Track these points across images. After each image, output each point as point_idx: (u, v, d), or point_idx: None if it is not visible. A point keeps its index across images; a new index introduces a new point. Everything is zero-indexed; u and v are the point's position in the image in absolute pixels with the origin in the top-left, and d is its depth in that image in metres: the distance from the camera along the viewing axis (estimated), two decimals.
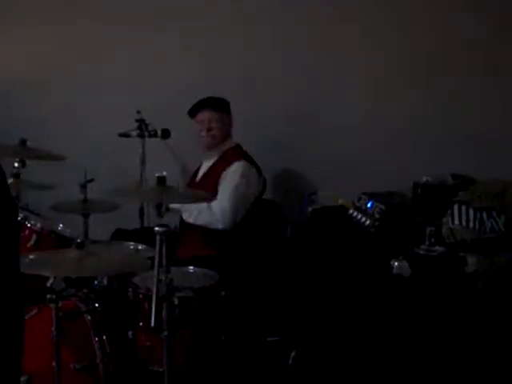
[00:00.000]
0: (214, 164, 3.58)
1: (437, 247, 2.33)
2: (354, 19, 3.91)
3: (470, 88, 3.84)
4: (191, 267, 2.94)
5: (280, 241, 3.38)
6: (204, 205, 3.41)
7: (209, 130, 3.54)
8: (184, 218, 3.48)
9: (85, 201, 3.15)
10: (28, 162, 3.13)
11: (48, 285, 2.44)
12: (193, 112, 3.58)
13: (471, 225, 2.45)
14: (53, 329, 2.42)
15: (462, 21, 3.81)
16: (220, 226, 3.38)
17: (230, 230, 3.38)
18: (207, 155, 3.64)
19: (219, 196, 3.38)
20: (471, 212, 2.47)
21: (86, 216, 3.20)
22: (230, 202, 3.35)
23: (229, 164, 3.48)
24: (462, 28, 3.82)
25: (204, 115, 3.55)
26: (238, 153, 3.54)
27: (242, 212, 3.41)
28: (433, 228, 2.31)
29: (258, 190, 3.52)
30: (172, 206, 2.77)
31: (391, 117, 3.93)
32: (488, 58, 3.81)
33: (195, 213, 3.42)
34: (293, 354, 2.66)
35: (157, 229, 2.48)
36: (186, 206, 3.44)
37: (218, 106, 3.57)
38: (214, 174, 3.52)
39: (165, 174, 2.69)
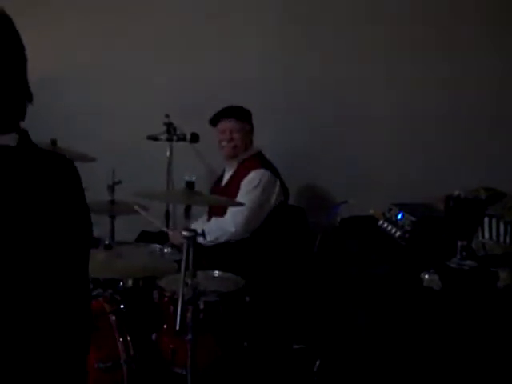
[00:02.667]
0: (234, 173, 3.59)
1: (468, 261, 2.31)
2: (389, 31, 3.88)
3: (498, 100, 3.80)
4: (216, 271, 2.94)
5: (307, 248, 3.37)
6: (212, 221, 3.44)
7: (230, 140, 3.55)
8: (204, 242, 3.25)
9: (112, 202, 3.17)
10: None
11: None
12: (214, 121, 3.58)
13: (502, 239, 2.44)
14: None
15: None
16: (232, 230, 3.35)
17: (242, 236, 3.37)
18: (229, 163, 3.64)
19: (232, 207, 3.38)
20: (502, 226, 2.46)
21: (113, 217, 3.23)
22: (242, 208, 3.30)
23: (247, 173, 3.48)
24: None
25: (225, 125, 3.55)
26: (257, 161, 3.54)
27: (255, 220, 3.40)
28: (464, 242, 2.30)
29: (277, 197, 3.49)
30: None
31: (418, 129, 3.91)
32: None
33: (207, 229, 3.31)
34: (318, 362, 2.65)
35: (185, 233, 2.49)
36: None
37: (239, 115, 3.56)
38: (235, 182, 3.52)
39: (194, 178, 2.71)
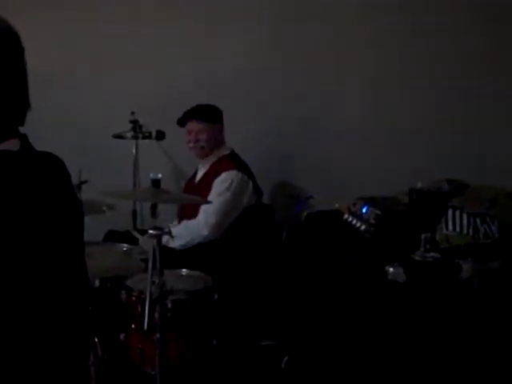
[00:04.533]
0: (207, 171, 3.56)
1: (432, 253, 2.33)
2: (362, 23, 3.90)
3: (468, 93, 3.85)
4: (184, 270, 2.92)
5: (274, 245, 3.37)
6: (182, 224, 3.41)
7: (196, 141, 3.52)
8: (176, 246, 3.30)
9: None
10: None
11: None
12: (181, 122, 3.55)
13: (465, 231, 2.46)
14: None
15: None
16: (205, 233, 3.32)
17: (215, 237, 3.34)
18: (201, 162, 3.62)
19: (204, 206, 3.35)
20: (465, 217, 2.48)
21: None
22: (214, 211, 3.32)
23: (220, 172, 3.45)
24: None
25: (191, 126, 3.52)
26: (231, 161, 3.51)
27: (227, 220, 3.37)
28: (428, 234, 2.32)
29: (249, 198, 3.47)
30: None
31: (389, 122, 3.95)
32: (489, 59, 3.82)
33: (178, 232, 3.21)
34: (286, 358, 2.65)
35: (151, 231, 2.47)
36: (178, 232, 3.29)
37: (204, 116, 3.53)
38: (207, 181, 3.50)
39: (160, 176, 2.69)
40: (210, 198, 3.36)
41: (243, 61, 3.95)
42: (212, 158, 3.56)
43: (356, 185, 3.68)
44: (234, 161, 3.52)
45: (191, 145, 3.53)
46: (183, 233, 3.33)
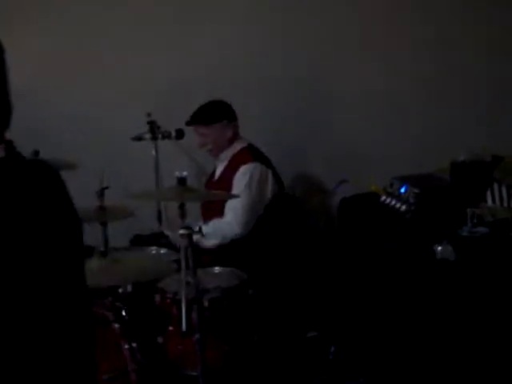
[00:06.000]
0: (225, 168, 3.52)
1: (480, 228, 2.24)
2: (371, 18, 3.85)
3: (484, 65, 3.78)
4: (217, 267, 2.88)
5: (305, 234, 3.31)
6: (211, 224, 3.34)
7: (202, 145, 3.51)
8: (209, 245, 3.27)
9: (102, 208, 3.08)
10: None
11: None
12: (188, 124, 3.53)
13: (505, 204, 2.38)
14: None
15: None
16: (237, 232, 3.29)
17: (246, 234, 3.30)
18: (218, 159, 3.58)
19: (231, 202, 3.31)
20: (504, 190, 2.40)
21: (104, 224, 3.13)
22: (242, 208, 3.29)
23: (238, 167, 3.41)
24: None
25: (196, 130, 3.50)
26: (247, 154, 3.46)
27: (256, 215, 3.34)
28: (474, 208, 2.23)
29: (272, 189, 3.43)
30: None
31: (400, 103, 3.90)
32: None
33: (209, 232, 3.17)
34: (332, 349, 2.58)
35: (181, 231, 2.42)
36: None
37: (203, 119, 3.48)
38: (227, 177, 3.45)
39: (185, 174, 2.63)
40: (233, 191, 3.32)
41: (252, 48, 3.90)
42: (228, 154, 3.51)
43: (383, 166, 3.61)
44: (251, 153, 3.47)
45: (200, 147, 3.53)
46: (215, 232, 3.28)
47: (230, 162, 3.50)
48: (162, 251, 3.14)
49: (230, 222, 3.32)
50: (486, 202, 2.37)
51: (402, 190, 2.49)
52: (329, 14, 3.86)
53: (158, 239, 3.40)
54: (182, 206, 2.61)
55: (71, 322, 1.29)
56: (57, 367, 1.26)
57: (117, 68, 3.98)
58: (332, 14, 3.87)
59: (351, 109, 3.94)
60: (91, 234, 3.13)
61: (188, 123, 3.51)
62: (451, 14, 3.83)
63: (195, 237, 2.52)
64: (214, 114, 3.49)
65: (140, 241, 3.60)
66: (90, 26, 3.94)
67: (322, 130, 3.96)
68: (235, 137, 3.53)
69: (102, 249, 2.66)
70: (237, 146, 3.52)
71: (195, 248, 2.47)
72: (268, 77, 3.92)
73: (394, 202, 2.51)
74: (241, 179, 3.37)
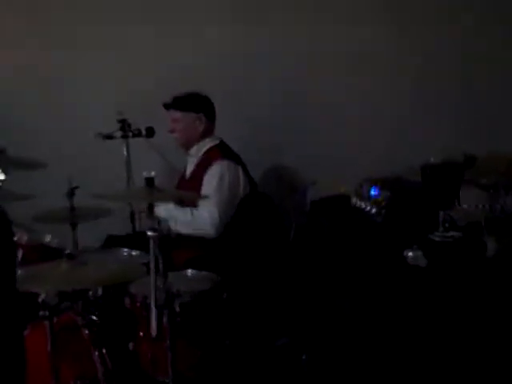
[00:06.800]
0: (196, 165, 3.48)
1: (452, 232, 2.21)
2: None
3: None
4: (189, 270, 2.82)
5: (278, 233, 3.28)
6: (188, 212, 3.33)
7: (172, 131, 3.46)
8: (171, 226, 3.35)
9: (72, 209, 3.01)
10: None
11: (40, 301, 2.31)
12: (166, 107, 3.49)
13: (480, 205, 2.35)
14: (48, 347, 2.30)
15: None
16: (212, 232, 3.28)
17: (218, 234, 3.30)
18: (190, 155, 3.54)
19: (203, 201, 3.29)
20: (478, 191, 2.37)
21: (74, 225, 3.06)
22: (217, 207, 3.26)
23: (209, 165, 3.37)
24: None
25: (171, 114, 3.47)
26: (219, 152, 3.42)
27: (229, 214, 3.30)
28: (446, 212, 2.20)
29: (244, 187, 3.39)
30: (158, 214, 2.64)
31: (378, 102, 3.91)
32: None
33: (182, 220, 3.32)
34: (304, 356, 2.54)
35: (149, 233, 2.37)
36: (173, 213, 3.33)
37: (182, 105, 3.45)
38: (197, 175, 3.42)
39: (153, 174, 2.57)
40: (203, 192, 3.28)
41: (230, 47, 3.89)
42: (198, 151, 3.47)
43: (360, 168, 3.60)
44: (221, 151, 3.42)
45: (171, 133, 3.49)
46: (189, 223, 3.30)
47: (200, 159, 3.46)
48: (134, 253, 3.07)
49: (205, 222, 3.29)
50: (459, 204, 2.34)
51: (373, 192, 2.46)
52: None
53: (132, 240, 3.35)
54: (150, 207, 2.56)
55: None
56: None
57: (91, 67, 3.94)
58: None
59: (326, 109, 3.95)
60: (61, 236, 3.12)
61: (166, 105, 3.46)
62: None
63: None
64: (194, 104, 3.47)
65: (114, 242, 3.55)
66: (62, 26, 3.91)
67: (296, 129, 3.96)
68: (207, 133, 3.49)
69: (68, 251, 2.59)
70: (208, 143, 3.48)
71: (166, 251, 2.42)
72: (242, 77, 3.91)
73: (364, 205, 2.48)
74: (212, 177, 3.34)
